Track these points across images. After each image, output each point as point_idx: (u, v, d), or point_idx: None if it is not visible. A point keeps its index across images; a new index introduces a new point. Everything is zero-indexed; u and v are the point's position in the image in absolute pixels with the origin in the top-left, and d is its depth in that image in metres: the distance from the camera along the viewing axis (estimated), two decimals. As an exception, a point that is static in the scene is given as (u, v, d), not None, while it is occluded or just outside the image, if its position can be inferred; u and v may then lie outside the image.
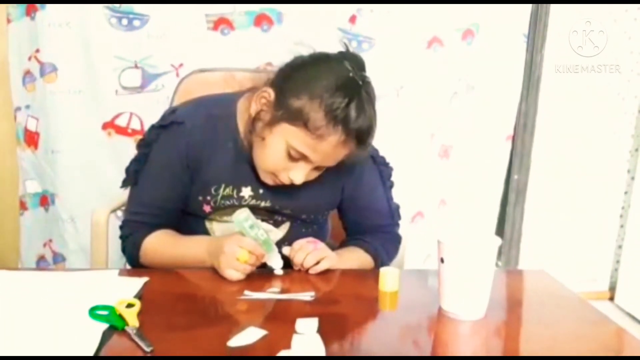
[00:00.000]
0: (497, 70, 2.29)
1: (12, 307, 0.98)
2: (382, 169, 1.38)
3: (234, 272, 1.13)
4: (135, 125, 2.07)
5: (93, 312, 0.96)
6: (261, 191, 1.25)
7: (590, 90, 2.46)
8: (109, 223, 1.44)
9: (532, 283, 1.31)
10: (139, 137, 2.02)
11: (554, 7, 2.29)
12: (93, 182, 2.08)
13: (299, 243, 1.21)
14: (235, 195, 1.25)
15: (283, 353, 0.87)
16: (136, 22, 1.98)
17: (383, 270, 1.14)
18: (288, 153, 1.15)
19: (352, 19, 2.06)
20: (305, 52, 1.20)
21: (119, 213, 2.06)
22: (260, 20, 2.02)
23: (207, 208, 1.27)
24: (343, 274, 1.26)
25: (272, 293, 1.10)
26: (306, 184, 1.22)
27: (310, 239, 1.22)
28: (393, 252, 1.40)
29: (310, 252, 1.19)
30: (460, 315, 1.03)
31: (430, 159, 2.30)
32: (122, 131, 2.07)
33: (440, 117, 2.26)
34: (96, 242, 1.42)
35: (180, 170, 1.24)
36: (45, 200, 2.17)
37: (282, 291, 1.11)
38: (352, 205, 1.36)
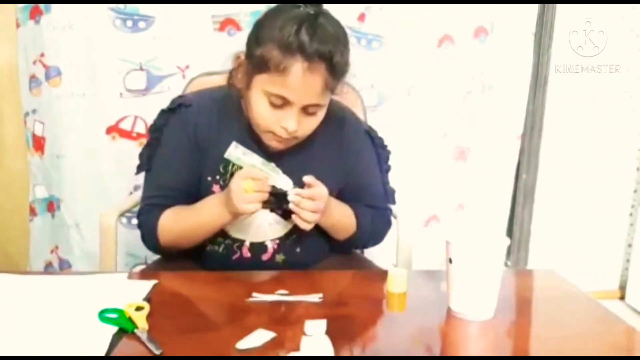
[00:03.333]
0: (509, 68, 2.26)
1: (23, 311, 0.99)
2: (380, 151, 1.41)
3: (249, 205, 1.15)
4: (139, 128, 2.05)
5: (102, 315, 0.96)
6: None
7: (598, 89, 2.45)
8: (117, 227, 1.44)
9: (542, 283, 1.30)
10: (144, 140, 2.03)
11: (559, 7, 2.27)
12: (97, 187, 2.06)
13: (312, 198, 1.19)
14: None
15: (292, 355, 0.86)
16: (141, 24, 1.96)
17: (391, 271, 1.14)
18: (270, 102, 1.17)
19: (361, 17, 2.04)
20: None
21: (124, 220, 2.07)
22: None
23: (216, 188, 1.27)
24: (351, 275, 1.25)
25: (280, 295, 1.09)
26: (312, 163, 1.25)
27: (319, 197, 1.20)
28: (380, 231, 1.42)
29: (312, 212, 1.20)
30: (469, 316, 1.03)
31: (445, 160, 2.27)
32: (126, 135, 2.05)
33: (452, 117, 2.23)
34: (105, 246, 1.42)
35: (191, 151, 1.28)
36: (52, 206, 2.16)
37: (290, 293, 1.10)
38: (350, 183, 1.37)
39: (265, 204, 1.21)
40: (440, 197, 2.28)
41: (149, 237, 1.30)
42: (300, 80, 1.13)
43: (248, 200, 1.15)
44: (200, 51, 1.98)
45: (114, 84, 2.00)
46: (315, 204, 1.20)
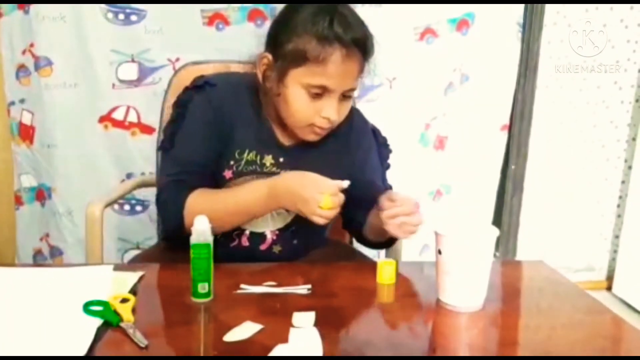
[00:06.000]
0: (491, 60, 2.27)
1: (6, 304, 0.98)
2: (382, 150, 1.44)
3: (321, 219, 1.13)
4: (132, 118, 2.06)
5: (87, 307, 0.95)
6: (282, 159, 1.28)
7: (587, 80, 2.45)
8: (104, 217, 1.42)
9: (531, 273, 1.30)
10: (136, 130, 2.05)
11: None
12: (90, 176, 2.07)
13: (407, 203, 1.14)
14: (258, 161, 1.27)
15: (280, 347, 0.86)
16: (133, 17, 1.97)
17: (380, 262, 1.13)
18: (309, 94, 1.20)
19: None
20: None
21: (115, 206, 2.08)
22: (253, 16, 2.02)
23: (228, 174, 1.26)
24: (340, 267, 1.25)
25: (268, 287, 1.09)
26: (321, 158, 1.28)
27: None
28: None
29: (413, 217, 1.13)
30: (458, 307, 1.03)
31: (426, 150, 2.28)
32: (119, 124, 2.05)
33: (434, 109, 2.24)
34: (91, 237, 1.40)
35: (214, 129, 1.27)
36: (41, 194, 2.17)
37: (279, 285, 1.10)
38: (356, 178, 1.34)
39: None
40: (419, 185, 2.29)
41: (174, 215, 1.21)
42: (340, 67, 1.18)
43: (321, 215, 1.12)
44: (190, 44, 1.99)
45: (106, 74, 2.01)
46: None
